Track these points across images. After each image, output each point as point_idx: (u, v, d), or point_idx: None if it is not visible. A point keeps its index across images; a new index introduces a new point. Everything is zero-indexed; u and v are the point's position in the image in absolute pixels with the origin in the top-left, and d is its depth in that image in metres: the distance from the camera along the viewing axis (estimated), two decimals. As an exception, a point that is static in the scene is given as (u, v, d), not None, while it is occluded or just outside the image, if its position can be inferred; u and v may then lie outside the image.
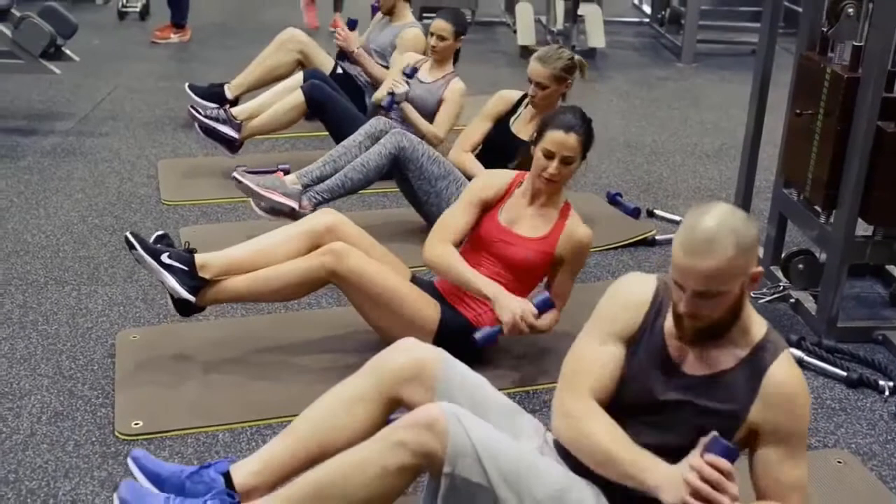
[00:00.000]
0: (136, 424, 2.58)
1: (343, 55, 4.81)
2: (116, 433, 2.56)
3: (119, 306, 3.24)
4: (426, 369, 2.07)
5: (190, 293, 2.76)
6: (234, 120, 4.34)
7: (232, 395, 2.75)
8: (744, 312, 1.88)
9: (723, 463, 1.72)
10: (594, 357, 1.94)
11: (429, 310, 2.81)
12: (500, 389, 2.18)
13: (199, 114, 4.32)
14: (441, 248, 2.83)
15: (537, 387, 2.84)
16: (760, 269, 1.82)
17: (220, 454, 2.50)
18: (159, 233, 2.88)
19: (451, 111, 4.15)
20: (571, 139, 2.75)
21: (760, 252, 3.66)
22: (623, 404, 1.93)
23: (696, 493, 1.71)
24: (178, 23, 7.04)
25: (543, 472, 1.89)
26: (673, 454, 1.80)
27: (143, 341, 3.00)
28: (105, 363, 2.90)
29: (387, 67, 4.63)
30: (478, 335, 2.69)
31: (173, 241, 2.92)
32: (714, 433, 1.77)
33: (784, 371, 1.86)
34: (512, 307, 2.68)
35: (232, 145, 4.38)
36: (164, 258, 2.75)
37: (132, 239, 2.75)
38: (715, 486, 1.71)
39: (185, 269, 2.75)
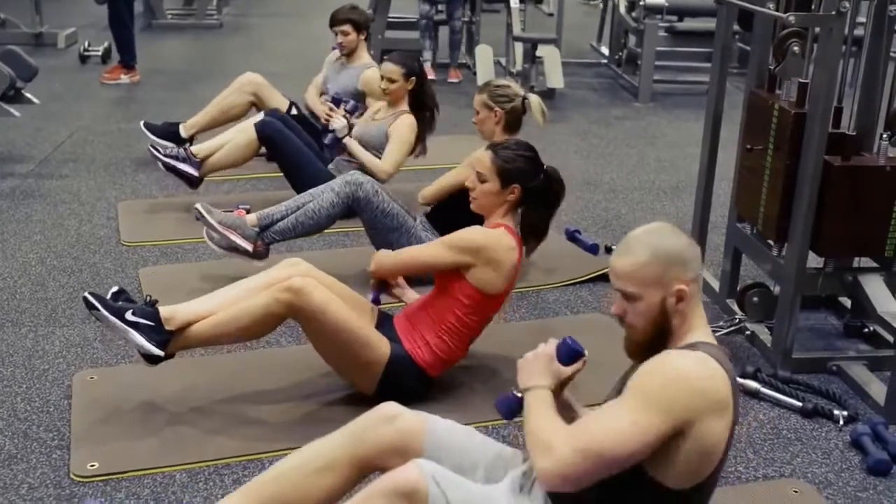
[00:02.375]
0: (92, 466, 2.56)
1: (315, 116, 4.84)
2: (72, 475, 2.53)
3: (76, 347, 3.21)
4: (413, 442, 2.04)
5: (159, 348, 2.71)
6: (194, 158, 4.38)
7: (189, 434, 2.73)
8: (679, 332, 1.91)
9: (545, 348, 2.03)
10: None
11: (379, 350, 2.80)
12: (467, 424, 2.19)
13: (159, 153, 4.36)
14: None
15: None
16: (683, 287, 1.86)
17: (176, 495, 2.48)
18: (115, 289, 2.82)
19: (398, 144, 4.16)
20: (485, 157, 2.85)
21: (716, 286, 3.72)
22: None
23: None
24: (128, 64, 7.08)
25: None
26: None
27: (101, 382, 2.98)
28: (61, 405, 2.87)
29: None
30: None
31: (131, 294, 2.88)
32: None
33: (673, 351, 1.86)
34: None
35: (192, 182, 4.41)
36: (129, 316, 2.70)
37: (92, 299, 2.69)
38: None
39: (151, 324, 2.71)
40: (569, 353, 2.04)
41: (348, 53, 4.89)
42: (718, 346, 1.90)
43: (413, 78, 4.19)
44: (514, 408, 2.05)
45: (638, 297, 1.88)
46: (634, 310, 1.90)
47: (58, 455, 2.62)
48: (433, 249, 2.92)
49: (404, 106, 4.25)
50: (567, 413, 2.11)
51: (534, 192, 2.88)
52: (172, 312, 2.76)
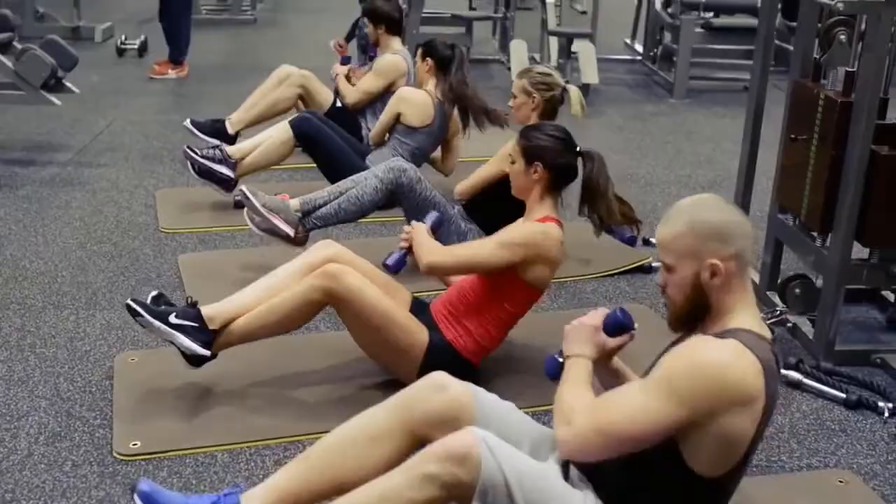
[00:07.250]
0: (135, 444, 2.57)
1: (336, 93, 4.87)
2: (114, 454, 2.55)
3: (117, 330, 3.24)
4: (462, 412, 2.03)
5: (204, 348, 2.72)
6: (230, 159, 4.36)
7: (230, 416, 2.74)
8: (720, 312, 1.87)
9: (593, 317, 2.07)
10: None
11: (417, 335, 2.79)
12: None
13: (196, 154, 4.32)
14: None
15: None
16: (717, 262, 1.83)
17: (218, 475, 2.49)
18: (154, 293, 2.83)
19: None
20: (515, 139, 2.89)
21: (756, 277, 3.68)
22: None
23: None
24: (176, 59, 7.11)
25: (568, 500, 1.89)
26: None
27: (142, 364, 3.00)
28: (103, 385, 2.89)
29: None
30: (389, 261, 2.92)
31: (170, 298, 2.89)
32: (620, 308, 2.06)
33: (706, 338, 1.83)
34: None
35: (227, 185, 4.38)
36: (173, 319, 2.71)
37: (135, 306, 2.70)
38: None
39: (196, 325, 2.72)
40: (614, 325, 2.04)
41: (374, 43, 4.93)
42: (758, 334, 1.84)
43: (429, 59, 4.24)
44: (554, 371, 2.09)
45: (673, 269, 1.88)
46: (672, 282, 1.90)
47: (100, 434, 2.64)
48: (489, 249, 2.82)
49: (428, 87, 4.29)
50: (616, 381, 2.13)
51: (562, 171, 2.85)
52: (214, 312, 2.76)
